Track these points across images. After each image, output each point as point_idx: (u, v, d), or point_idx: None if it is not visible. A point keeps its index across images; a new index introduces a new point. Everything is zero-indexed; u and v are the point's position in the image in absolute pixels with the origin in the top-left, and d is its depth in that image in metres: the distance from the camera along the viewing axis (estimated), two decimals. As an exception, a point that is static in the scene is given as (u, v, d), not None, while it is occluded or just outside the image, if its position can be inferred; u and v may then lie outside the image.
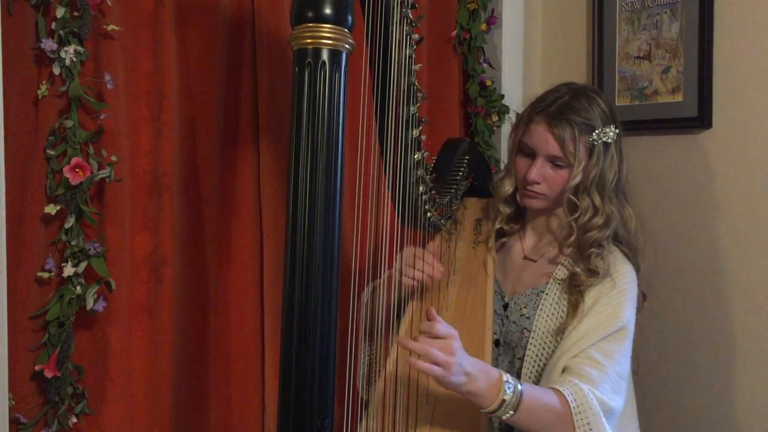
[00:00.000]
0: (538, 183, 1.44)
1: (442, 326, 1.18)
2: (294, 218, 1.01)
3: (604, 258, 1.41)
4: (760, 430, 1.70)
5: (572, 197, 1.42)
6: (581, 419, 1.24)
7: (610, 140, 1.41)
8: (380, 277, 1.35)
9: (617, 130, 1.43)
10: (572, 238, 1.44)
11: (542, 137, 1.41)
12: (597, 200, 1.41)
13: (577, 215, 1.42)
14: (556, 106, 1.41)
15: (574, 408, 1.24)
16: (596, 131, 1.40)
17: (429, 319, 1.20)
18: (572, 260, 1.45)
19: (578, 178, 1.40)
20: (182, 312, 1.58)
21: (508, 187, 1.51)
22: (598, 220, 1.41)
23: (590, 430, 1.24)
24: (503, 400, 1.19)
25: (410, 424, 1.29)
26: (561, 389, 1.27)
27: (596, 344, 1.34)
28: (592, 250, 1.41)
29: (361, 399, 1.21)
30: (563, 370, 1.33)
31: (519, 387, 1.21)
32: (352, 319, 1.15)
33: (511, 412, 1.20)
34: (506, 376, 1.21)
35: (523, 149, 1.47)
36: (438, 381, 1.17)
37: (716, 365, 1.78)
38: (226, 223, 1.68)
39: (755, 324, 1.71)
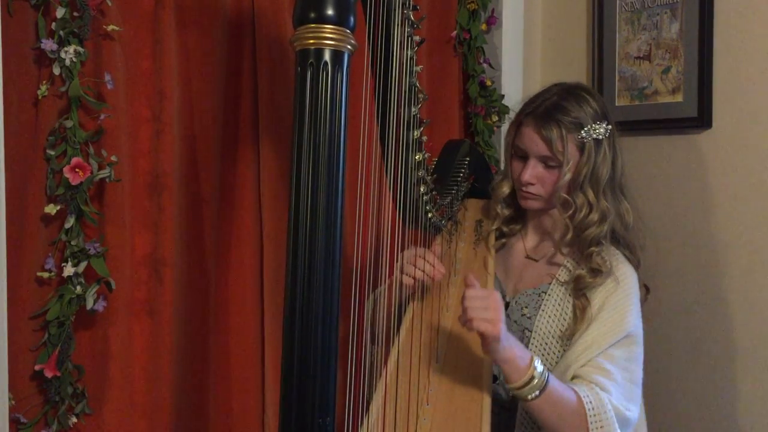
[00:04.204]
0: (532, 184, 1.45)
1: (480, 289, 1.24)
2: (296, 218, 1.01)
3: (605, 256, 1.42)
4: (761, 430, 1.70)
5: (565, 195, 1.43)
6: (595, 422, 1.25)
7: (600, 136, 1.42)
8: (382, 278, 1.35)
9: (609, 126, 1.43)
10: (569, 237, 1.44)
11: (531, 139, 1.43)
12: (591, 196, 1.42)
13: (571, 212, 1.43)
14: (544, 107, 1.42)
15: (589, 410, 1.26)
16: (585, 128, 1.41)
17: (468, 285, 1.24)
18: (574, 261, 1.45)
19: (568, 176, 1.41)
20: (182, 312, 1.58)
21: (505, 189, 1.53)
22: (594, 216, 1.42)
23: None
24: (532, 377, 1.22)
25: (411, 423, 1.29)
26: (577, 389, 1.28)
27: (604, 352, 1.34)
28: (593, 248, 1.42)
29: (363, 397, 1.21)
30: (572, 379, 1.34)
31: (546, 372, 1.24)
32: (353, 317, 1.15)
33: (537, 392, 1.22)
34: (537, 358, 1.25)
35: (516, 152, 1.49)
36: (485, 336, 1.21)
37: (716, 365, 1.78)
38: (226, 223, 1.68)
39: (755, 323, 1.71)
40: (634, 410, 1.32)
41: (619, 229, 1.46)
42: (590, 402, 1.26)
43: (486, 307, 1.20)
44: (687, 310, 1.83)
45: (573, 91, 1.45)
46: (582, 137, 1.41)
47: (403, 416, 1.29)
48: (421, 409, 1.31)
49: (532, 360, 1.24)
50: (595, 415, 1.25)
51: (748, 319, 1.72)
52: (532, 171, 1.44)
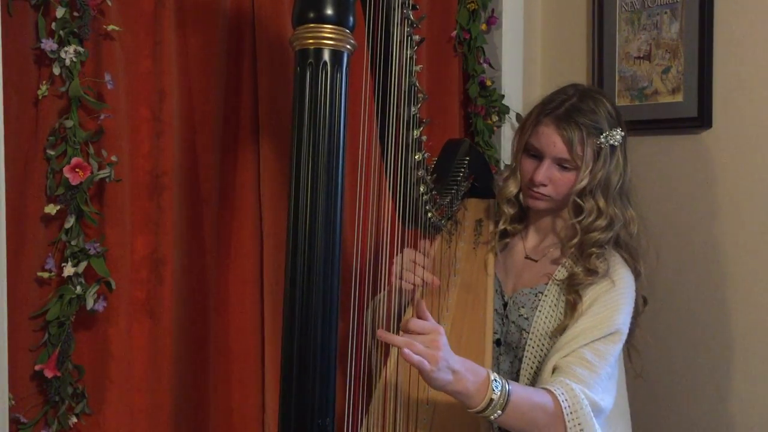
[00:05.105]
0: (544, 185, 1.44)
1: (427, 322, 1.16)
2: (296, 218, 1.01)
3: (605, 259, 1.41)
4: (761, 430, 1.70)
5: (577, 199, 1.42)
6: (573, 419, 1.23)
7: (616, 143, 1.41)
8: (381, 278, 1.35)
9: (623, 133, 1.43)
10: (576, 240, 1.43)
11: (550, 139, 1.41)
12: (601, 203, 1.41)
13: (581, 217, 1.43)
14: (565, 108, 1.41)
15: (565, 408, 1.23)
16: (604, 134, 1.40)
17: (418, 314, 1.17)
18: (572, 261, 1.45)
19: (585, 181, 1.40)
20: (182, 312, 1.58)
21: (512, 188, 1.51)
22: (602, 222, 1.41)
23: (581, 430, 1.23)
24: (491, 399, 1.16)
25: (410, 424, 1.29)
26: (552, 389, 1.26)
27: (590, 345, 1.33)
28: (593, 250, 1.41)
29: (362, 398, 1.21)
30: (554, 370, 1.33)
31: (507, 386, 1.18)
32: (353, 317, 1.15)
33: (499, 411, 1.17)
34: (494, 375, 1.18)
35: (529, 150, 1.46)
36: (424, 377, 1.13)
37: (716, 366, 1.78)
38: (226, 223, 1.68)
39: (756, 324, 1.71)
40: (609, 400, 1.31)
41: (624, 236, 1.46)
42: (566, 401, 1.24)
43: (426, 342, 1.12)
44: (686, 309, 1.83)
45: (591, 94, 1.44)
46: (600, 143, 1.40)
47: (403, 416, 1.29)
48: (421, 409, 1.32)
49: (488, 381, 1.17)
50: (572, 413, 1.23)
51: (748, 319, 1.72)
52: (546, 172, 1.42)
